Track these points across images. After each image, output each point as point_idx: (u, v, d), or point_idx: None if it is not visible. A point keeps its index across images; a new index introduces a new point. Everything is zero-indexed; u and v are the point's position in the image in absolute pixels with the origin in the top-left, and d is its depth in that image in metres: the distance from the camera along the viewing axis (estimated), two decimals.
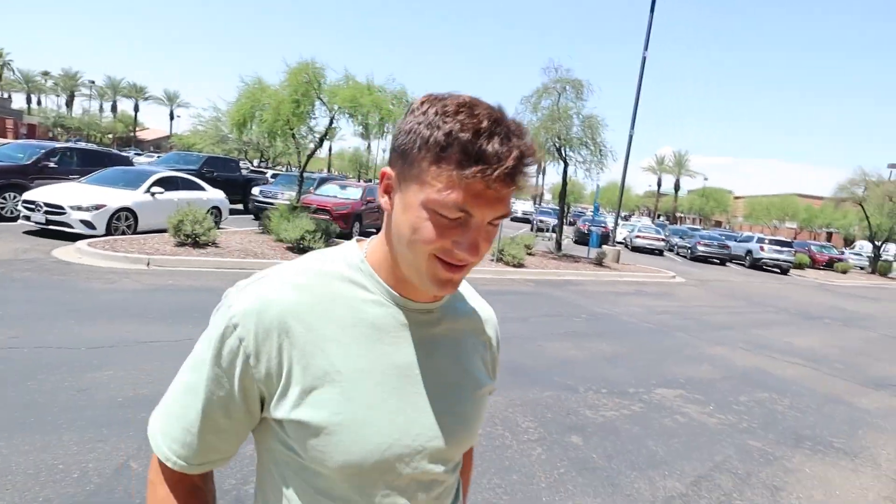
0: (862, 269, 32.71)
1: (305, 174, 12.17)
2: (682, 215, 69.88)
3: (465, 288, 0.91)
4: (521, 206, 42.11)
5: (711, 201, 60.37)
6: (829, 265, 29.84)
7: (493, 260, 12.04)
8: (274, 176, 20.25)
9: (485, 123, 0.64)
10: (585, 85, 14.24)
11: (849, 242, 45.33)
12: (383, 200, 0.74)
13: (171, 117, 64.86)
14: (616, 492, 3.06)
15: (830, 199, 35.22)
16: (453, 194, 0.64)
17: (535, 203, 47.38)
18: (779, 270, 23.64)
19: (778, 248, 23.68)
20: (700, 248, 23.63)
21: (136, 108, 62.64)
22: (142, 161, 21.74)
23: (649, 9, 16.52)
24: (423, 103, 0.68)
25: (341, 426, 0.70)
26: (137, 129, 63.64)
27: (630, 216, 59.68)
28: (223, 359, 0.70)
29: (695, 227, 42.17)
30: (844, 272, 28.49)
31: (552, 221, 27.10)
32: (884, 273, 31.19)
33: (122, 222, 9.24)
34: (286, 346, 0.69)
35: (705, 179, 59.89)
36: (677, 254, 26.35)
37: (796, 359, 7.14)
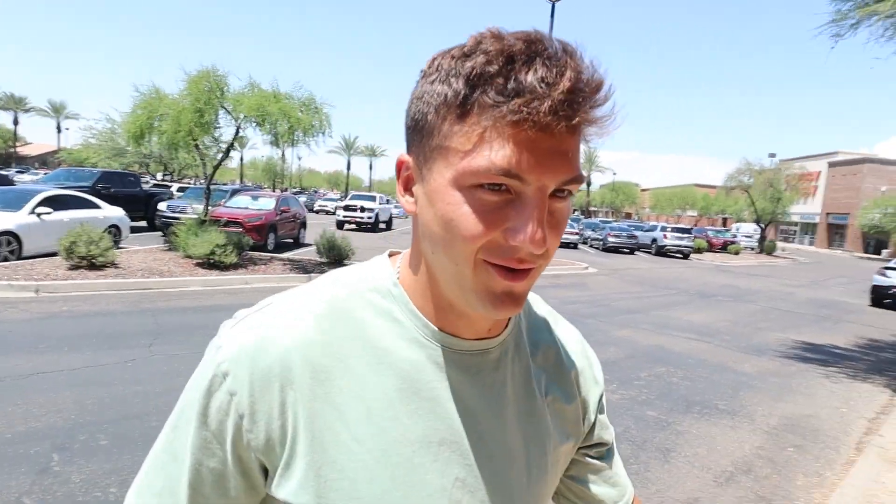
0: (752, 249, 36.08)
1: (216, 186, 11.71)
2: (596, 209, 73.58)
3: (541, 308, 0.69)
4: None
5: (621, 195, 64.29)
6: (725, 248, 32.62)
7: None
8: (181, 189, 19.24)
9: (518, 46, 0.45)
10: None
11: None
12: (404, 200, 0.55)
13: (59, 130, 59.66)
14: None
15: (722, 188, 38.69)
16: (491, 152, 0.45)
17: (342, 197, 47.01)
18: (681, 255, 25.56)
19: (679, 235, 25.66)
20: (611, 239, 25.09)
21: (16, 122, 56.99)
22: (25, 180, 19.84)
23: (549, 13, 17.37)
24: (433, 60, 0.50)
25: None
26: (18, 144, 57.89)
27: None
28: (211, 419, 0.51)
29: (606, 219, 44.56)
30: (737, 253, 31.34)
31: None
32: (770, 252, 34.61)
33: (4, 247, 8.46)
34: (290, 401, 0.51)
35: (614, 174, 63.55)
36: (591, 246, 27.77)
37: (692, 334, 7.83)
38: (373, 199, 23.41)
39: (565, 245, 25.33)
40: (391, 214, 25.72)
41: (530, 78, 0.43)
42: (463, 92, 0.46)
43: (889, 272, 13.29)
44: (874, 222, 39.84)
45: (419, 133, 0.51)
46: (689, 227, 31.65)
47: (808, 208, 53.24)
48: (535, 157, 0.45)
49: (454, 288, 0.52)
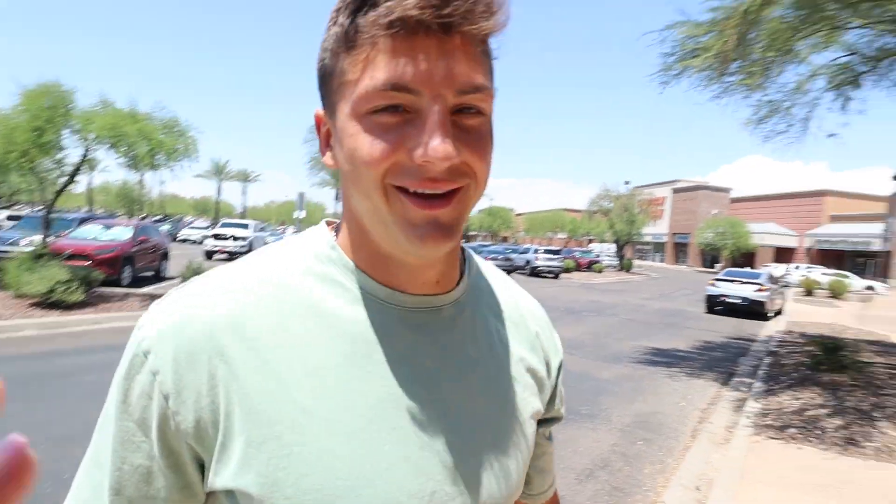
0: (615, 268, 39.82)
1: (59, 214, 10.42)
2: (475, 233, 76.41)
3: (496, 279, 0.65)
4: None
5: (498, 219, 67.69)
6: (590, 267, 35.59)
7: None
8: (13, 218, 16.83)
9: None
10: None
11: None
12: (325, 158, 0.53)
13: None
14: None
15: (586, 212, 42.51)
16: (375, 70, 0.44)
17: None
18: (552, 275, 27.43)
19: (550, 256, 27.57)
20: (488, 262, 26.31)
21: None
22: None
23: None
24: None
25: (319, 493, 0.45)
26: None
27: None
28: (132, 406, 0.46)
29: (484, 243, 46.58)
30: (601, 272, 34.38)
31: None
32: (628, 269, 38.40)
33: None
34: (222, 375, 0.46)
35: (491, 200, 66.74)
36: None
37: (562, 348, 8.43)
38: (245, 226, 22.28)
39: None
40: (265, 243, 24.66)
41: None
42: (347, 22, 0.45)
43: (718, 283, 15.41)
44: (708, 240, 46.21)
45: (325, 82, 0.49)
46: (558, 248, 34.15)
47: (657, 229, 60.16)
48: (421, 65, 0.43)
49: (379, 229, 0.49)
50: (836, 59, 7.96)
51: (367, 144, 0.45)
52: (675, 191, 59.66)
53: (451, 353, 0.54)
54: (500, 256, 26.74)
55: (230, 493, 0.46)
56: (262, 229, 24.66)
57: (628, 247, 42.54)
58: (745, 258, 45.64)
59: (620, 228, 38.82)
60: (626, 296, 19.34)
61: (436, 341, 0.53)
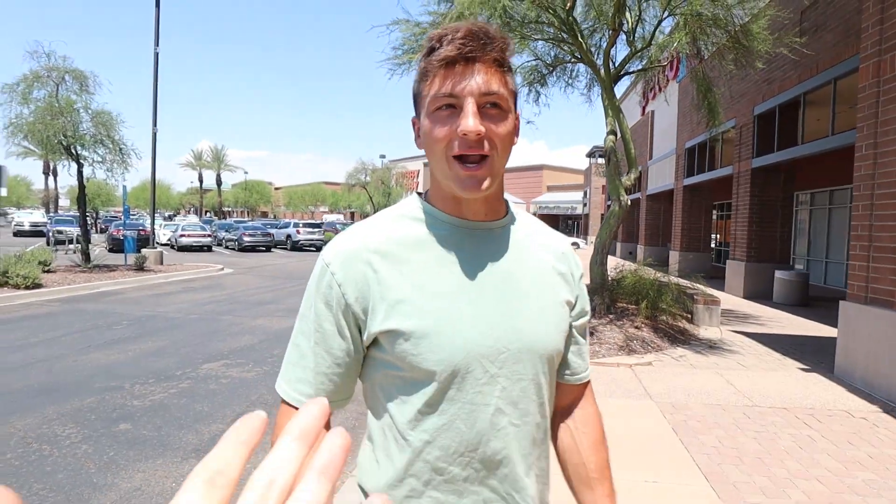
0: None
1: None
2: (230, 209, 71.16)
3: (535, 222, 0.97)
4: (28, 217, 34.19)
5: (255, 194, 64.09)
6: None
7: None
8: None
9: (450, 28, 0.78)
10: (91, 77, 12.92)
11: (366, 217, 56.97)
12: (417, 143, 0.86)
13: None
14: (166, 450, 3.54)
15: (345, 185, 43.42)
16: (434, 86, 0.78)
17: (48, 212, 39.10)
18: (314, 248, 27.72)
19: (311, 229, 27.75)
20: (246, 238, 25.17)
21: None
22: None
23: (154, 3, 16.12)
24: None
25: (428, 331, 0.78)
26: None
27: (175, 215, 56.89)
28: (322, 294, 0.82)
29: (241, 219, 44.00)
30: None
31: (74, 230, 23.37)
32: None
33: None
34: (370, 273, 0.80)
35: (245, 173, 62.73)
36: (226, 247, 27.23)
37: None
38: None
39: (198, 249, 24.23)
40: None
41: (446, 41, 0.77)
42: (422, 65, 0.80)
43: None
44: None
45: (415, 100, 0.85)
46: (319, 221, 34.45)
47: None
48: (459, 81, 0.76)
49: (444, 181, 0.82)
50: (527, 61, 10.08)
51: (435, 129, 0.79)
52: (426, 164, 65.00)
53: (503, 254, 0.86)
54: (259, 232, 25.84)
55: (376, 341, 0.82)
56: None
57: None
58: None
59: (378, 200, 40.90)
60: None
61: (491, 247, 0.86)
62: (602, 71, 7.65)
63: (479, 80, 0.76)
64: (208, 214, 65.89)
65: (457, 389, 0.80)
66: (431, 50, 0.79)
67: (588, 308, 0.99)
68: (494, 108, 0.78)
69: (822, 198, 14.04)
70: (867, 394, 5.01)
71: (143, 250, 15.22)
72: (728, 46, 7.79)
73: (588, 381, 1.01)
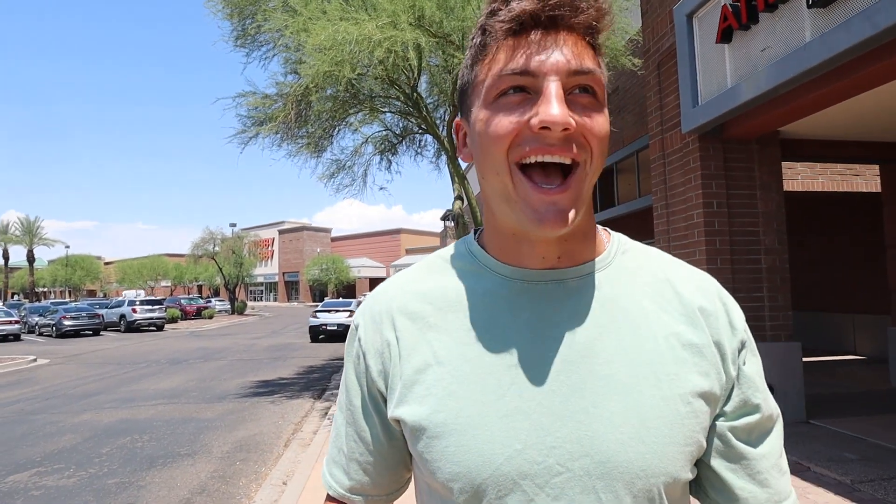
0: (227, 311, 38.78)
1: None
2: (46, 289, 61.50)
3: (656, 259, 0.65)
4: None
5: (79, 270, 56.25)
6: (199, 314, 33.72)
7: None
8: None
9: None
10: None
11: (216, 292, 52.78)
12: (462, 154, 0.64)
13: None
14: None
15: (191, 256, 40.12)
16: (497, 62, 0.54)
17: None
18: (155, 328, 24.85)
19: (150, 307, 24.91)
20: (66, 322, 21.79)
21: None
22: None
23: None
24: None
25: (445, 427, 0.56)
26: None
27: None
28: (352, 364, 0.66)
29: (61, 300, 38.13)
30: (211, 317, 33.04)
31: None
32: (241, 312, 38.12)
33: None
34: (393, 339, 0.62)
35: (67, 247, 54.92)
36: (40, 334, 23.32)
37: (160, 400, 8.07)
38: None
39: (3, 339, 20.42)
40: None
41: None
42: (478, 37, 0.56)
43: (318, 314, 17.35)
44: (315, 276, 50.57)
45: (463, 93, 0.60)
46: (160, 298, 31.19)
47: (268, 270, 61.85)
48: (537, 53, 0.51)
49: (504, 207, 0.56)
50: (378, 131, 10.52)
51: (494, 122, 0.53)
52: (281, 232, 62.94)
53: (583, 318, 0.58)
54: (84, 314, 22.57)
55: (396, 423, 0.62)
56: None
57: (240, 288, 42.30)
58: (348, 290, 51.96)
59: (229, 271, 38.34)
60: (237, 338, 19.42)
61: (564, 307, 0.58)
62: (446, 141, 8.28)
63: (566, 52, 0.52)
64: (16, 297, 56.00)
65: None
66: (493, 13, 0.54)
67: (758, 399, 0.60)
68: (587, 94, 0.54)
69: None
70: None
71: None
72: None
73: None
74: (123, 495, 4.18)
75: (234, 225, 41.68)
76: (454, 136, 0.65)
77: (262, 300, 64.01)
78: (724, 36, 4.80)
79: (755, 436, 0.60)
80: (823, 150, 6.26)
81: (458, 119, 0.64)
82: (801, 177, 8.95)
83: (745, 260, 5.47)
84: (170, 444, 5.65)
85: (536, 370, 0.56)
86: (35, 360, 13.74)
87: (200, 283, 53.70)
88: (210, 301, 39.67)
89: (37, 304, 31.75)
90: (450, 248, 0.68)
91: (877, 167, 7.22)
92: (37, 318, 24.29)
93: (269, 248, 62.10)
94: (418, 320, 0.61)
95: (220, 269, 38.03)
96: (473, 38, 0.58)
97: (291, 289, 62.10)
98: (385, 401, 0.62)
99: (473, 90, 0.58)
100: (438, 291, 0.63)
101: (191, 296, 44.42)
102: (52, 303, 29.92)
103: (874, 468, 3.99)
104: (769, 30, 4.40)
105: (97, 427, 6.44)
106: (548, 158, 0.52)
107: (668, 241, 6.17)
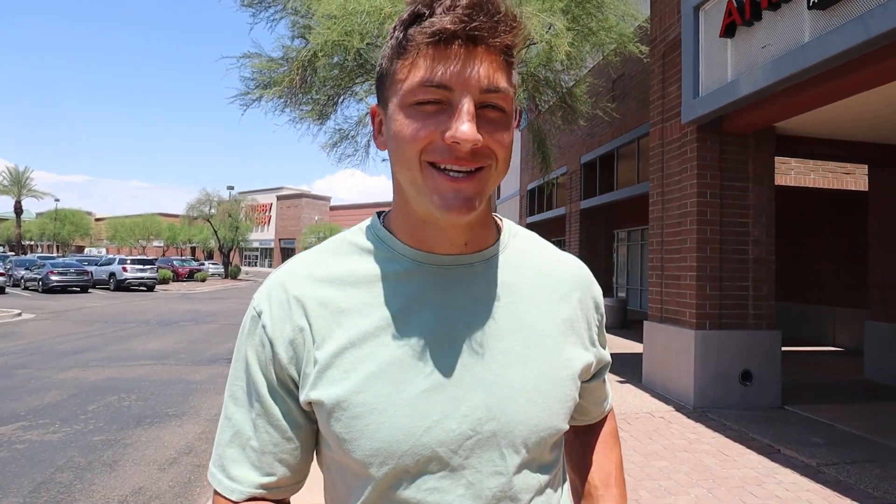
0: (220, 275, 38.71)
1: None
2: (33, 243, 61.01)
3: (539, 249, 0.74)
4: None
5: (68, 225, 55.64)
6: (192, 276, 33.67)
7: None
8: None
9: None
10: None
11: (210, 255, 52.53)
12: (377, 141, 0.65)
13: None
14: None
15: (185, 217, 39.72)
16: (417, 70, 0.56)
17: None
18: (145, 288, 24.82)
19: (141, 266, 24.82)
20: (53, 278, 21.71)
21: None
22: None
23: None
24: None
25: (365, 406, 0.59)
26: None
27: None
28: (255, 352, 0.64)
29: (49, 255, 37.82)
30: (204, 280, 33.02)
31: None
32: (235, 276, 38.10)
33: None
34: (305, 324, 0.62)
35: (56, 201, 54.18)
36: (26, 288, 23.29)
37: (149, 360, 8.12)
38: None
39: None
40: None
41: (441, 7, 0.55)
42: (400, 35, 0.58)
43: None
44: (312, 244, 50.30)
45: (381, 82, 0.62)
46: (152, 258, 31.06)
47: (264, 235, 61.62)
48: (454, 68, 0.55)
49: (415, 196, 0.60)
50: None
51: (410, 127, 0.57)
52: (280, 197, 62.50)
53: (484, 300, 0.65)
54: (72, 270, 22.44)
55: (308, 406, 0.62)
56: None
57: (235, 253, 42.11)
58: None
59: (224, 235, 38.07)
60: (229, 302, 19.46)
61: (468, 290, 0.65)
62: None
63: (481, 70, 0.56)
64: (1, 249, 55.45)
65: (402, 488, 0.60)
66: (417, 17, 0.57)
67: (608, 356, 0.80)
68: (496, 111, 0.58)
69: (636, 235, 16.38)
70: (665, 397, 5.86)
71: None
72: (558, 105, 8.88)
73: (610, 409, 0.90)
74: (109, 452, 4.24)
75: (231, 188, 40.73)
76: (371, 120, 0.67)
77: (256, 265, 63.93)
78: (728, 30, 4.77)
79: (601, 377, 0.82)
80: (817, 148, 6.29)
81: (374, 105, 0.66)
82: (793, 172, 8.99)
83: (733, 250, 5.54)
84: (157, 404, 5.71)
85: (448, 348, 0.62)
86: (20, 314, 13.74)
87: (194, 244, 53.32)
88: (203, 264, 39.59)
89: (23, 257, 31.50)
90: (355, 232, 0.70)
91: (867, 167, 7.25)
92: (23, 272, 24.17)
93: (267, 214, 61.77)
94: (330, 305, 0.63)
95: (216, 231, 37.75)
96: (395, 30, 0.60)
97: (287, 255, 61.93)
98: (297, 386, 0.63)
99: (392, 85, 0.60)
100: (350, 275, 0.65)
101: (183, 257, 44.25)
102: (39, 257, 29.69)
103: (840, 452, 4.13)
104: (771, 27, 4.38)
105: (84, 384, 6.49)
106: (456, 167, 0.57)
107: (662, 227, 6.21)
